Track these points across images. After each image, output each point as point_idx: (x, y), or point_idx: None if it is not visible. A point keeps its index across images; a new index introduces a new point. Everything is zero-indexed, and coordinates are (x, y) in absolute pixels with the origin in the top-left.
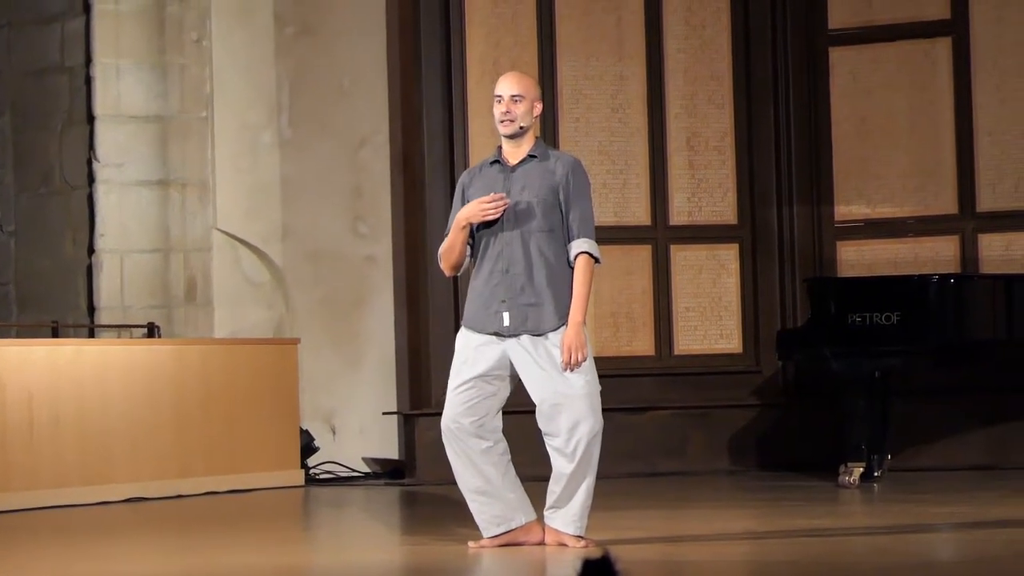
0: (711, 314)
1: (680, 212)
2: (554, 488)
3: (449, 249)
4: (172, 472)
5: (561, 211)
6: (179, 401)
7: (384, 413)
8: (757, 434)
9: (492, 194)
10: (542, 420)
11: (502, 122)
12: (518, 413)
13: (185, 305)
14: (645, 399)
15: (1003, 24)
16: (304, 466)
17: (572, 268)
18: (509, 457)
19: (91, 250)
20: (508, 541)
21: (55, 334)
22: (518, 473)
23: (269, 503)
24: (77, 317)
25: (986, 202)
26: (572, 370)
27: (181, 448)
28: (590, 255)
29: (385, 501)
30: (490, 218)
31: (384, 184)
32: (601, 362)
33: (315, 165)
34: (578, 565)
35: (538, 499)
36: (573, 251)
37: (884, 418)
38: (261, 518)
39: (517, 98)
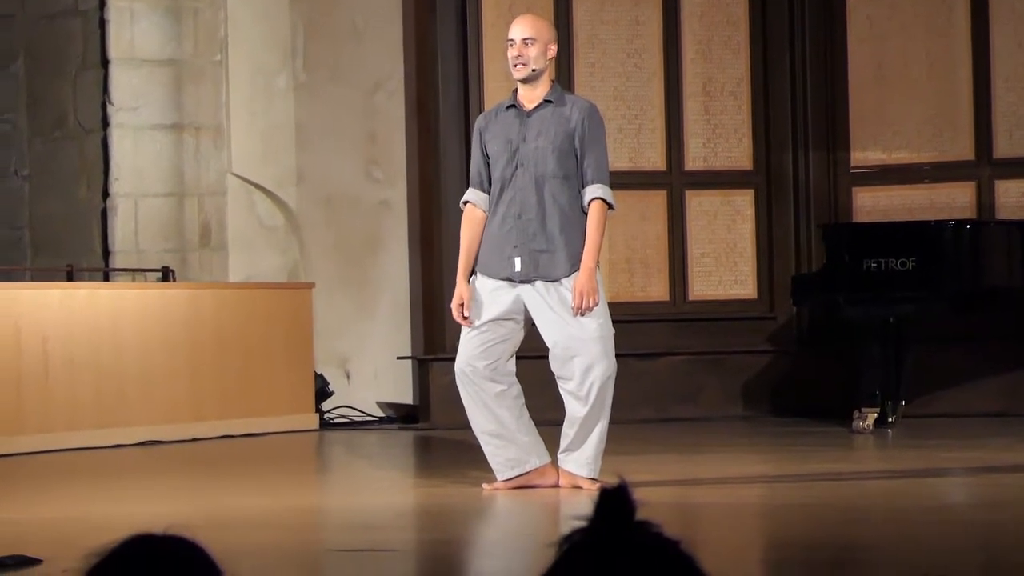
0: (726, 260)
1: (695, 158)
2: (568, 431)
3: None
4: (186, 415)
5: (576, 157)
6: (193, 345)
7: (398, 358)
8: (771, 380)
9: (463, 314)
10: (555, 364)
11: (515, 66)
12: (532, 358)
13: (199, 249)
14: (659, 345)
15: None
16: (318, 410)
17: (586, 214)
18: (523, 400)
19: (105, 194)
20: (522, 484)
21: (70, 278)
22: (532, 417)
23: (283, 447)
24: (91, 261)
25: (1003, 148)
26: (583, 315)
27: (195, 392)
28: (604, 201)
29: (399, 445)
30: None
31: (399, 129)
32: (615, 308)
33: (329, 109)
34: (595, 495)
35: (552, 443)
36: (587, 197)
37: (898, 364)
38: (275, 461)
39: (529, 41)
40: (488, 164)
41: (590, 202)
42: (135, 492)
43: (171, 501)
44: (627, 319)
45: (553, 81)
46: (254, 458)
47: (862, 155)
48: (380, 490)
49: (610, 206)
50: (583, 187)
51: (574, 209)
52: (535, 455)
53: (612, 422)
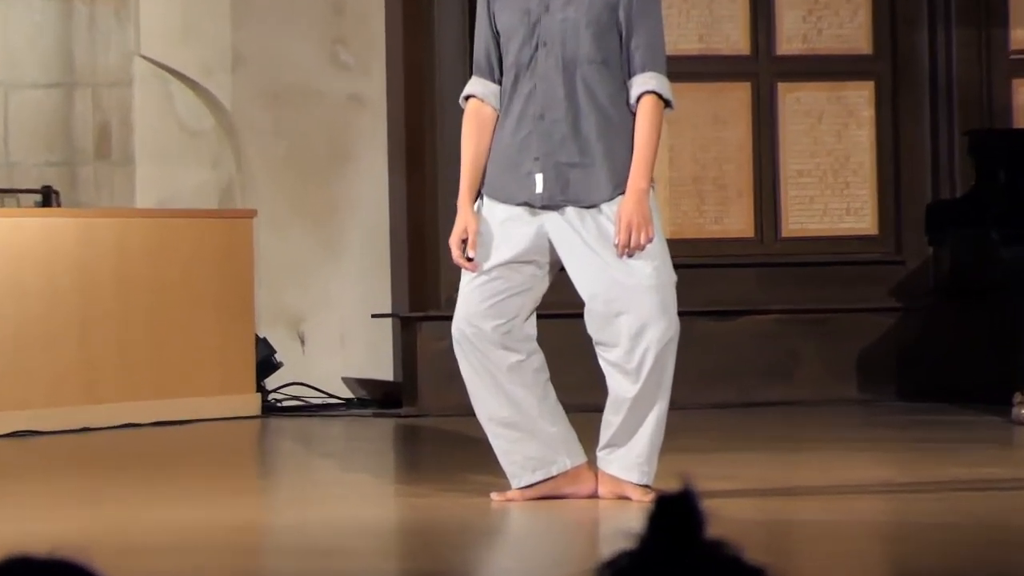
0: (834, 181)
1: (791, 37)
2: (611, 419)
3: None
4: (75, 396)
5: (619, 35)
6: (87, 296)
7: (374, 316)
8: (897, 349)
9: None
10: (593, 324)
11: None
12: (559, 317)
13: (95, 162)
14: (740, 299)
15: None
16: (261, 389)
17: (633, 114)
18: (548, 376)
19: None
20: (547, 492)
21: None
22: (560, 400)
23: (212, 440)
24: None
25: None
26: (632, 255)
27: (88, 363)
28: (659, 96)
29: (374, 438)
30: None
31: None
32: (677, 246)
33: None
34: (649, 507)
35: (589, 436)
36: (635, 90)
37: None
38: (201, 460)
39: None
40: (499, 44)
41: (640, 97)
42: (6, 501)
43: (56, 514)
44: (694, 263)
45: None
46: (171, 456)
47: None
48: (347, 501)
49: (668, 103)
50: (630, 76)
51: (617, 107)
52: (565, 453)
53: (672, 406)
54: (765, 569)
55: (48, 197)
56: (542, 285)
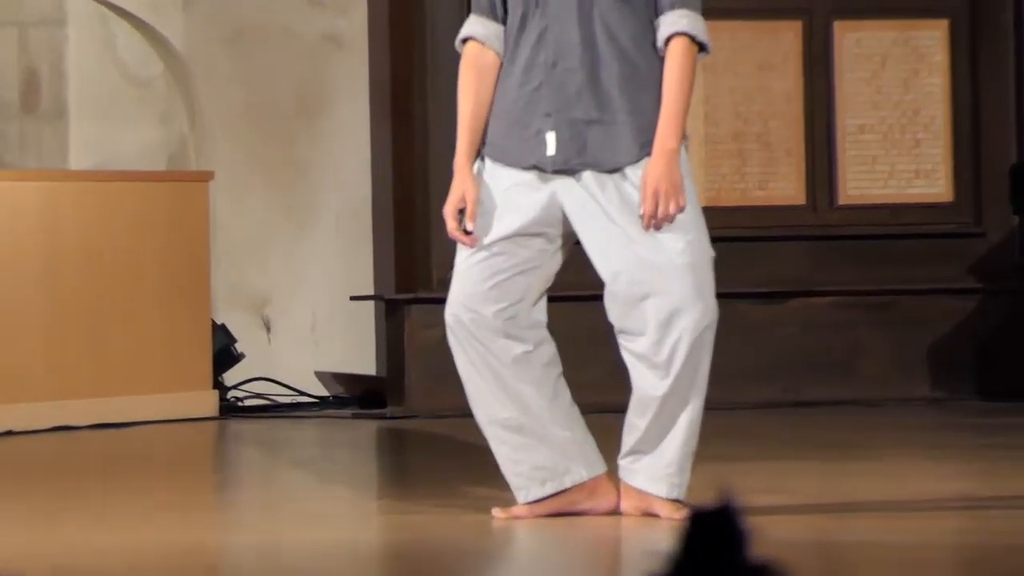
0: (901, 138)
1: None
2: (636, 422)
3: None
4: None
5: None
6: (9, 275)
7: (353, 298)
8: (976, 338)
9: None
10: (615, 309)
11: None
12: (570, 300)
13: (21, 116)
14: (789, 279)
15: None
16: (219, 385)
17: (662, 60)
18: (560, 371)
19: None
20: (560, 508)
21: None
22: (575, 400)
23: (161, 446)
24: None
25: None
26: (661, 227)
27: (12, 354)
28: (692, 38)
29: (354, 444)
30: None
31: None
32: (714, 216)
33: None
34: (681, 525)
35: (609, 442)
36: (664, 31)
37: None
38: (147, 470)
39: None
40: None
41: (669, 39)
42: None
43: None
44: (735, 235)
45: None
46: (112, 465)
47: None
48: (321, 518)
49: (703, 47)
50: (657, 15)
51: (643, 51)
52: (581, 461)
53: (708, 406)
54: None
55: None
56: (553, 262)
